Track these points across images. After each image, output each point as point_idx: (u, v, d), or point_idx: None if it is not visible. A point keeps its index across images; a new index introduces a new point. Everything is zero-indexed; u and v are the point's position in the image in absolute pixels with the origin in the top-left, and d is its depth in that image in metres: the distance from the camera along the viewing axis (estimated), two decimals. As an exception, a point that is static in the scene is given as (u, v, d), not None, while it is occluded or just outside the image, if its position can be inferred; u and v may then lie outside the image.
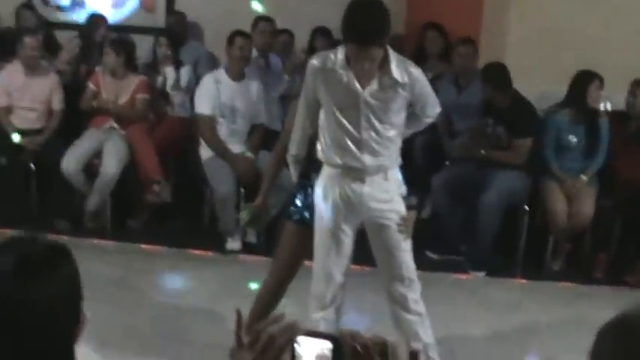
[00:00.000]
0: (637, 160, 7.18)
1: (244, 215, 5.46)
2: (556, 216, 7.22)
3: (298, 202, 4.95)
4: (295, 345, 1.83)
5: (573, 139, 7.31)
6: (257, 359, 1.83)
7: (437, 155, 7.78)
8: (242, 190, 7.37)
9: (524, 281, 7.23)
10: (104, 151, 7.60)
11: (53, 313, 1.85)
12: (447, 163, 7.81)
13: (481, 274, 7.22)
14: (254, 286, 6.35)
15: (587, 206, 7.20)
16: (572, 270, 7.42)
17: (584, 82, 7.22)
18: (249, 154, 7.46)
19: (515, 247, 7.44)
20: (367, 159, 4.41)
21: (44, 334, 1.83)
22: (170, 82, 8.08)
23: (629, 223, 7.35)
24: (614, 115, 7.53)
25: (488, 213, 7.15)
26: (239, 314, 1.96)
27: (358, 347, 1.81)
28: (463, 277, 7.20)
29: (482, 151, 7.36)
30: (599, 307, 6.54)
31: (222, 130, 7.43)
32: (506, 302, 6.70)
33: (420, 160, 7.60)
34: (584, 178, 7.25)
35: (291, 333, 1.84)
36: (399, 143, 4.55)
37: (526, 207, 7.41)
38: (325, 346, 1.81)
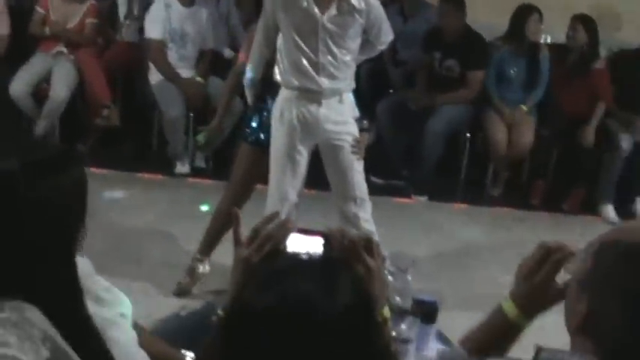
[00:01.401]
0: (575, 92, 7.37)
1: (200, 138, 5.54)
2: (496, 144, 7.42)
3: (254, 124, 5.05)
4: (288, 241, 1.97)
5: (514, 71, 7.51)
6: (254, 255, 1.95)
7: (381, 83, 7.93)
8: (191, 114, 7.45)
9: (464, 206, 7.46)
10: (53, 76, 7.55)
11: (62, 212, 1.92)
12: (391, 91, 7.97)
13: (423, 199, 7.43)
14: (203, 208, 6.49)
15: (526, 136, 7.43)
16: (511, 196, 7.65)
17: (523, 15, 7.41)
18: (199, 79, 7.51)
19: (457, 173, 7.68)
20: (324, 82, 4.53)
21: (52, 234, 1.92)
22: (123, 11, 8.04)
23: (566, 153, 7.60)
24: (555, 49, 7.71)
25: (432, 140, 7.33)
26: (237, 215, 2.08)
27: (346, 242, 1.95)
28: (406, 201, 7.41)
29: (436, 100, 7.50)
30: (536, 231, 6.82)
31: (172, 55, 7.46)
32: (448, 226, 6.90)
33: (365, 86, 7.72)
34: (523, 108, 7.45)
35: (285, 230, 1.97)
36: (353, 68, 4.68)
37: (468, 135, 7.62)
38: (316, 241, 1.95)
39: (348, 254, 1.93)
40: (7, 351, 1.83)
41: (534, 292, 1.99)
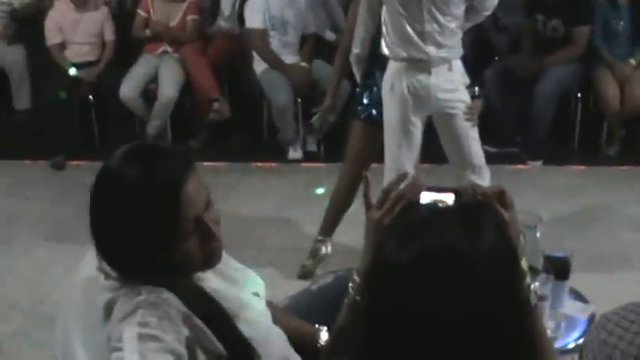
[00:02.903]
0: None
1: (316, 121, 5.50)
2: (609, 101, 7.25)
3: (365, 101, 5.03)
4: (420, 200, 1.95)
5: (620, 25, 7.34)
6: (386, 216, 1.94)
7: (485, 51, 7.84)
8: (299, 99, 7.50)
9: (582, 167, 7.32)
10: (160, 76, 7.71)
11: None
12: (496, 58, 7.88)
13: (539, 163, 7.33)
14: (319, 191, 6.56)
15: (639, 90, 7.27)
16: (629, 154, 7.46)
17: None
18: (303, 64, 7.53)
19: (571, 134, 7.55)
20: (432, 50, 4.48)
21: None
22: (227, 12, 8.11)
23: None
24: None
25: (543, 102, 7.22)
26: (367, 178, 2.08)
27: (478, 195, 1.93)
28: (521, 167, 7.31)
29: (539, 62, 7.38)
30: (659, 187, 6.67)
31: (274, 42, 7.48)
32: (567, 188, 6.80)
33: (469, 55, 7.62)
34: (632, 62, 7.29)
35: (416, 189, 1.94)
36: (460, 35, 4.62)
37: (579, 95, 7.49)
38: (448, 198, 1.92)
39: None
40: (149, 331, 1.87)
41: None
